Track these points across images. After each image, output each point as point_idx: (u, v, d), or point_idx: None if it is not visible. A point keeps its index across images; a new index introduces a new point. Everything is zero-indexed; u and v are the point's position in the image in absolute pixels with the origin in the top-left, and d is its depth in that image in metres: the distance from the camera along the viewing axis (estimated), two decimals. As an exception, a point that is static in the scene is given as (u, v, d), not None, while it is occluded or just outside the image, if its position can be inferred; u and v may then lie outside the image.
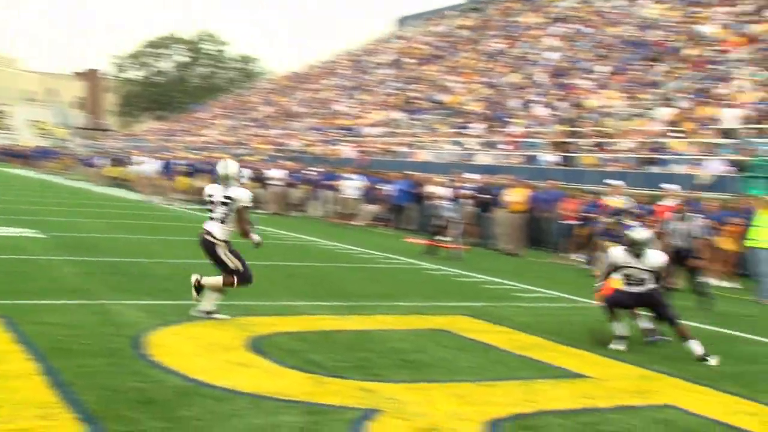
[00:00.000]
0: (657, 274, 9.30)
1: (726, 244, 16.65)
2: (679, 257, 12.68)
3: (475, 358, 8.31)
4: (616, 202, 16.05)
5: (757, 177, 13.76)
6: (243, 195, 9.35)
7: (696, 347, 8.90)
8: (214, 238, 9.26)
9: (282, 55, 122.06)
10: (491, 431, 5.86)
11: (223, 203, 9.30)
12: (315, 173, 31.38)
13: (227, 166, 9.54)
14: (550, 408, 6.61)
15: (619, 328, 9.30)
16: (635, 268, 9.20)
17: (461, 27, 55.52)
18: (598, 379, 7.75)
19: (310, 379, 7.03)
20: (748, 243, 15.15)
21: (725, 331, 11.08)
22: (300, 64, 78.85)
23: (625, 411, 6.69)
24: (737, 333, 10.80)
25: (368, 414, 6.07)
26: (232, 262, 9.23)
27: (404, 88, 48.90)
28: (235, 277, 9.23)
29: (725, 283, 16.52)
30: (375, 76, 55.54)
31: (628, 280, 9.32)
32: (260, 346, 8.14)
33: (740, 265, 17.19)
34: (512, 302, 12.44)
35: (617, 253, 9.44)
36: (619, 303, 9.38)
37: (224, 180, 9.42)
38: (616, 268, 9.41)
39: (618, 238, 11.65)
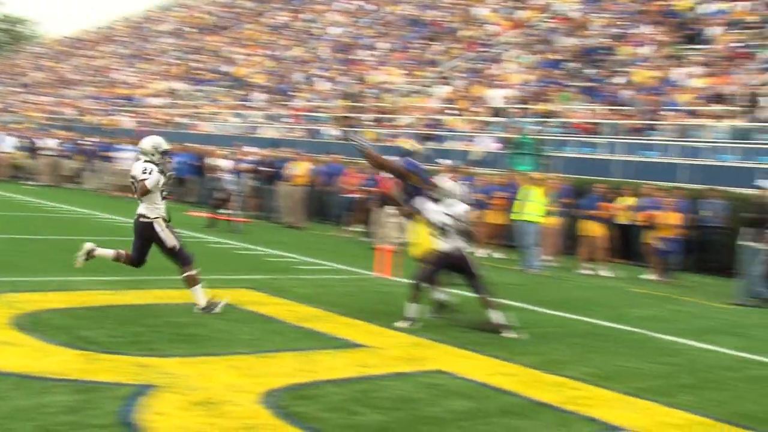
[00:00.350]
0: (466, 232, 9.42)
1: (493, 217, 17.63)
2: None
3: (254, 330, 8.33)
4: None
5: (523, 154, 14.65)
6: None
7: (497, 316, 9.24)
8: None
9: (60, 19, 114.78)
10: (268, 402, 5.92)
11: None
12: (90, 144, 29.97)
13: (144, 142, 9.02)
14: (326, 377, 6.76)
15: (413, 310, 9.22)
16: (445, 215, 9.23)
17: (245, -2, 54.80)
18: (373, 348, 8.00)
19: (81, 356, 6.77)
20: (513, 216, 16.11)
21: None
22: (76, 28, 74.58)
23: (398, 377, 6.96)
24: (502, 300, 11.47)
25: (142, 390, 5.94)
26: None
27: (186, 58, 47.68)
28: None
29: (494, 254, 17.52)
30: (156, 45, 53.73)
31: (438, 230, 9.26)
32: (27, 323, 7.74)
33: (507, 237, 18.30)
34: (293, 275, 12.56)
35: (424, 202, 9.45)
36: (431, 273, 9.31)
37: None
38: (428, 221, 9.35)
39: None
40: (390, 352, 7.90)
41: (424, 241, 9.51)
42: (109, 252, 9.06)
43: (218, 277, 11.74)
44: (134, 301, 9.32)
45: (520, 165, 14.96)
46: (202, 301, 8.98)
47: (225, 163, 21.73)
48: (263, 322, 8.84)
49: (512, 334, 8.96)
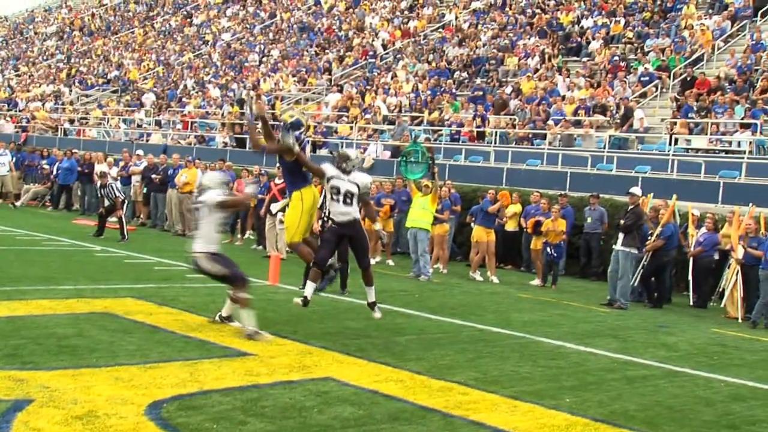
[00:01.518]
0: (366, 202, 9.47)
1: (382, 224, 17.75)
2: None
3: (139, 340, 8.12)
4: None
5: (414, 162, 14.76)
6: None
7: (371, 293, 9.46)
8: None
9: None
10: (152, 413, 5.77)
11: None
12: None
13: None
14: (213, 387, 6.64)
15: (310, 289, 9.16)
16: (344, 181, 9.19)
17: (134, 1, 53.51)
18: (261, 357, 7.91)
19: (-48, 371, 6.47)
20: (407, 224, 16.17)
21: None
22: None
23: (286, 386, 6.90)
24: (392, 307, 11.56)
25: (19, 405, 5.71)
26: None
27: (71, 61, 46.23)
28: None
29: (389, 262, 17.63)
30: (39, 47, 51.89)
31: (336, 194, 9.19)
32: None
33: (395, 244, 18.45)
34: (181, 283, 12.31)
35: (328, 166, 9.39)
36: (325, 254, 9.21)
37: None
38: (327, 179, 9.30)
39: None
40: (279, 360, 7.83)
41: (299, 223, 9.40)
42: None
43: (101, 286, 11.41)
44: (11, 313, 8.94)
45: (411, 173, 15.06)
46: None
47: (113, 170, 21.17)
48: (149, 331, 8.63)
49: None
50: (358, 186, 9.26)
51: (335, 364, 7.85)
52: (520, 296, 14.37)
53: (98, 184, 18.96)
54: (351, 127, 26.66)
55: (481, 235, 16.71)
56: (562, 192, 18.24)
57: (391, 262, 17.69)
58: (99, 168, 23.22)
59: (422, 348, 8.98)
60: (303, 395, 6.61)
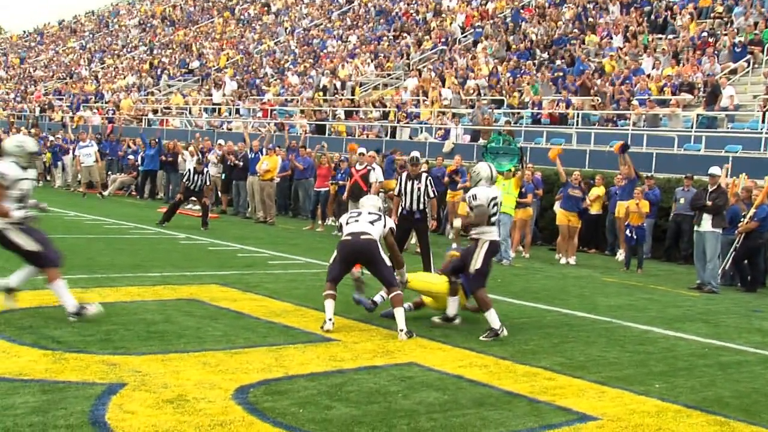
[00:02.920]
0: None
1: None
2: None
3: (225, 326, 8.29)
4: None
5: (503, 153, 14.60)
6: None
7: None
8: None
9: (21, 13, 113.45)
10: (239, 398, 5.89)
11: None
12: (56, 140, 29.68)
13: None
14: (298, 372, 6.74)
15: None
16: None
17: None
18: (345, 342, 7.98)
19: (48, 355, 6.70)
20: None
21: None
22: (36, 22, 73.74)
23: (370, 371, 6.95)
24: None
25: (113, 388, 5.90)
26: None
27: (154, 52, 47.28)
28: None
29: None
30: (122, 39, 53.21)
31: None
32: (-7, 324, 7.65)
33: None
34: (264, 269, 12.51)
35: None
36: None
37: None
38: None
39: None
40: (362, 345, 7.89)
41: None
42: None
43: (186, 273, 11.67)
44: (103, 299, 9.21)
45: (500, 166, 14.86)
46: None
47: (194, 158, 21.58)
48: (234, 318, 8.79)
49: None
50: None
51: (419, 350, 7.87)
52: (605, 280, 14.15)
53: (181, 172, 19.29)
54: (431, 112, 26.58)
55: (562, 219, 16.57)
56: (648, 174, 17.86)
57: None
58: (181, 156, 23.81)
59: (507, 334, 8.93)
60: (387, 380, 6.65)
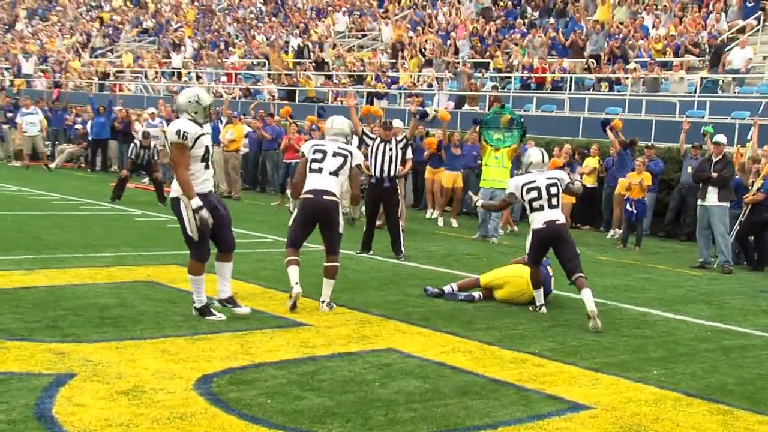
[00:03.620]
0: None
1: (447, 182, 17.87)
2: None
3: (186, 310, 8.27)
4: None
5: (505, 129, 14.60)
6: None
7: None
8: None
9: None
10: (202, 388, 5.89)
11: None
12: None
13: None
14: (266, 360, 6.75)
15: None
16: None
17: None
18: (317, 327, 8.00)
19: (-10, 344, 6.68)
20: (483, 183, 16.03)
21: (439, 269, 11.85)
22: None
23: (345, 358, 6.98)
24: (457, 272, 11.57)
25: (61, 379, 5.88)
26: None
27: (103, 8, 46.72)
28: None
29: (453, 223, 17.69)
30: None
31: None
32: (-71, 310, 7.60)
33: (462, 203, 18.41)
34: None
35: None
36: None
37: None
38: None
39: None
40: (336, 330, 7.92)
41: None
42: None
43: (144, 253, 11.64)
44: (50, 282, 9.18)
45: (500, 142, 14.82)
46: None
47: (147, 126, 21.42)
48: (196, 301, 8.79)
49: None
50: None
51: (397, 335, 7.91)
52: (600, 259, 14.25)
53: (137, 142, 19.15)
54: (411, 76, 26.53)
55: None
56: (648, 143, 17.94)
57: (455, 223, 17.70)
58: (137, 125, 23.60)
59: (492, 316, 9.00)
60: (363, 368, 6.69)
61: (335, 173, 8.75)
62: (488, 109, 20.83)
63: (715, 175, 13.79)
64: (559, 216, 9.40)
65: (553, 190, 9.39)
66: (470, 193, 11.91)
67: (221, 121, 21.24)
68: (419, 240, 14.89)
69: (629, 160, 16.84)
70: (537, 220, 9.33)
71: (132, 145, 18.97)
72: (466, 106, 23.59)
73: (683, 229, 17.43)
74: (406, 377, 6.50)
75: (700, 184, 14.13)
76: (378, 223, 13.38)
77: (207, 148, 7.93)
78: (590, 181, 18.22)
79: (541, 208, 9.33)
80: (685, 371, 7.26)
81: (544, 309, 9.42)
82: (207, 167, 7.96)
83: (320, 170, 8.71)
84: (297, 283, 8.54)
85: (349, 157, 8.84)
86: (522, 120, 15.08)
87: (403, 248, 12.69)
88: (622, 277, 12.33)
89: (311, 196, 8.65)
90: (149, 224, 14.85)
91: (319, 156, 8.81)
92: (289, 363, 6.70)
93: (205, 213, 7.75)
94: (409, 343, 7.57)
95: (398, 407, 5.77)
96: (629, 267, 13.47)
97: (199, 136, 7.84)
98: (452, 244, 14.74)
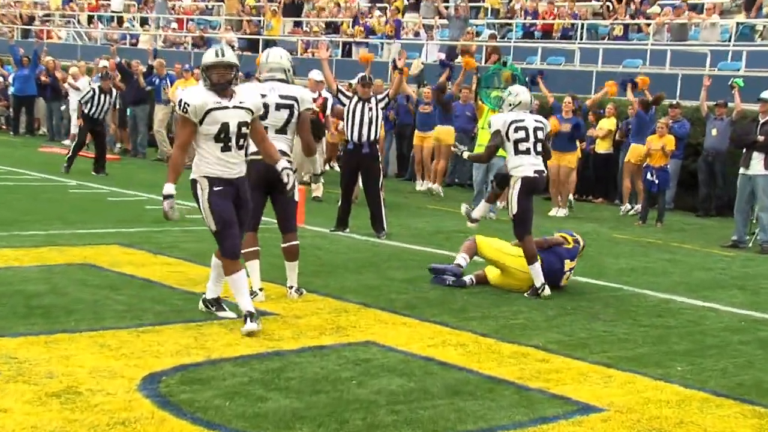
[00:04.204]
0: None
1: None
2: None
3: (129, 298, 8.28)
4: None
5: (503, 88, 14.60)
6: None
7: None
8: None
9: None
10: (148, 389, 5.89)
11: None
12: None
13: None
14: (225, 355, 6.75)
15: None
16: None
17: None
18: (285, 317, 8.03)
19: None
20: (479, 149, 16.05)
21: (427, 249, 11.88)
22: None
23: (317, 352, 7.00)
24: (446, 252, 11.58)
25: (-20, 380, 5.88)
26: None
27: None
28: None
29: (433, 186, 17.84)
30: None
31: None
32: None
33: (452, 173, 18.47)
34: (180, 226, 12.41)
35: None
36: None
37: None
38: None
39: None
40: (307, 320, 7.94)
41: None
42: None
43: (80, 231, 11.61)
44: (-31, 265, 9.17)
45: (500, 103, 14.79)
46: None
47: (82, 82, 21.28)
48: (141, 287, 8.80)
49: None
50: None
51: (378, 325, 7.95)
52: (615, 237, 14.34)
53: (67, 101, 19.00)
54: (387, 21, 26.45)
55: (552, 162, 16.60)
56: (672, 101, 17.98)
57: (438, 188, 17.82)
58: (68, 80, 23.42)
59: (489, 304, 9.04)
60: (338, 364, 6.71)
61: (282, 130, 8.54)
62: (485, 63, 20.86)
63: (761, 138, 13.73)
64: (543, 167, 9.80)
65: (540, 134, 9.71)
66: (457, 143, 11.91)
67: (168, 78, 21.14)
68: (403, 215, 14.93)
69: (650, 121, 16.87)
70: (525, 165, 9.60)
71: (90, 91, 18.42)
72: (459, 58, 23.56)
73: (712, 202, 17.51)
74: (388, 375, 6.53)
75: (743, 150, 14.10)
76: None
77: (224, 126, 7.49)
78: (605, 147, 18.30)
79: (528, 151, 9.61)
80: (714, 367, 7.32)
81: (547, 290, 9.47)
82: (226, 149, 7.54)
83: (264, 129, 8.26)
84: (261, 290, 8.58)
85: (296, 105, 8.54)
86: (526, 78, 15.09)
87: (385, 225, 12.72)
88: (641, 258, 12.40)
89: (259, 157, 8.16)
90: (86, 197, 14.79)
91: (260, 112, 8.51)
92: (251, 359, 6.72)
93: (167, 205, 7.56)
94: (391, 335, 7.60)
95: (378, 409, 5.80)
96: (649, 246, 13.55)
97: (211, 110, 7.47)
98: (441, 220, 14.78)
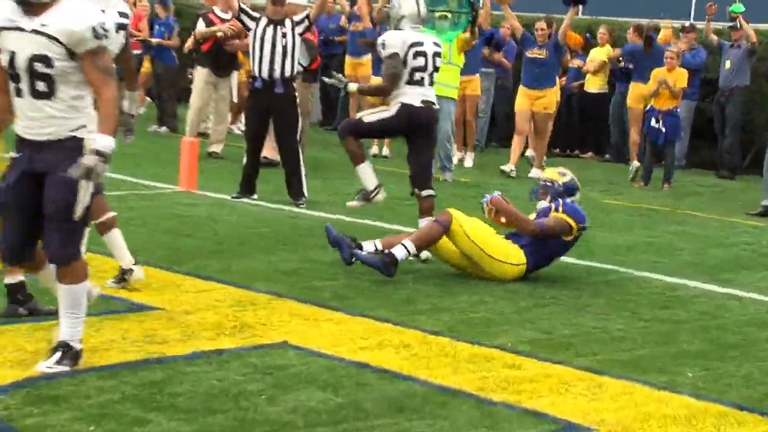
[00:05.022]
0: None
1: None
2: None
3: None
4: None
5: (449, 17, 14.51)
6: None
7: None
8: None
9: None
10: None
11: None
12: None
13: None
14: (88, 364, 6.66)
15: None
16: None
17: None
18: (171, 312, 7.99)
19: None
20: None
21: (359, 221, 11.86)
22: None
23: (213, 358, 6.95)
24: (389, 225, 11.59)
25: None
26: None
27: None
28: None
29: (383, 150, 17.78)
30: None
31: None
32: None
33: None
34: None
35: None
36: None
37: None
38: None
39: None
40: (199, 316, 7.91)
41: None
42: None
43: None
44: None
45: (446, 33, 14.74)
46: None
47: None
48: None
49: None
50: None
51: (295, 321, 7.94)
52: (608, 203, 14.43)
53: None
54: None
55: (523, 102, 16.47)
56: (685, 22, 18.04)
57: (387, 152, 17.74)
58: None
59: (441, 293, 9.07)
60: (242, 374, 6.68)
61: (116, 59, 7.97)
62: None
63: None
64: (434, 98, 10.19)
65: (438, 61, 10.11)
66: (333, 71, 11.67)
67: None
68: (330, 177, 14.89)
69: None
70: (411, 94, 9.91)
71: None
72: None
73: (726, 157, 17.58)
74: (308, 387, 6.51)
75: None
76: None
77: (12, 56, 6.38)
78: (597, 85, 18.32)
79: (422, 82, 9.95)
80: (735, 373, 7.38)
81: (381, 195, 10.28)
82: (18, 93, 6.49)
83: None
84: None
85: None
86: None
87: (305, 189, 12.66)
88: (641, 231, 12.48)
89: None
90: None
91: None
92: (124, 368, 6.65)
93: None
94: (313, 335, 7.59)
95: (294, 433, 5.78)
96: (653, 215, 13.64)
97: (2, 29, 6.40)
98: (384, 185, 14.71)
